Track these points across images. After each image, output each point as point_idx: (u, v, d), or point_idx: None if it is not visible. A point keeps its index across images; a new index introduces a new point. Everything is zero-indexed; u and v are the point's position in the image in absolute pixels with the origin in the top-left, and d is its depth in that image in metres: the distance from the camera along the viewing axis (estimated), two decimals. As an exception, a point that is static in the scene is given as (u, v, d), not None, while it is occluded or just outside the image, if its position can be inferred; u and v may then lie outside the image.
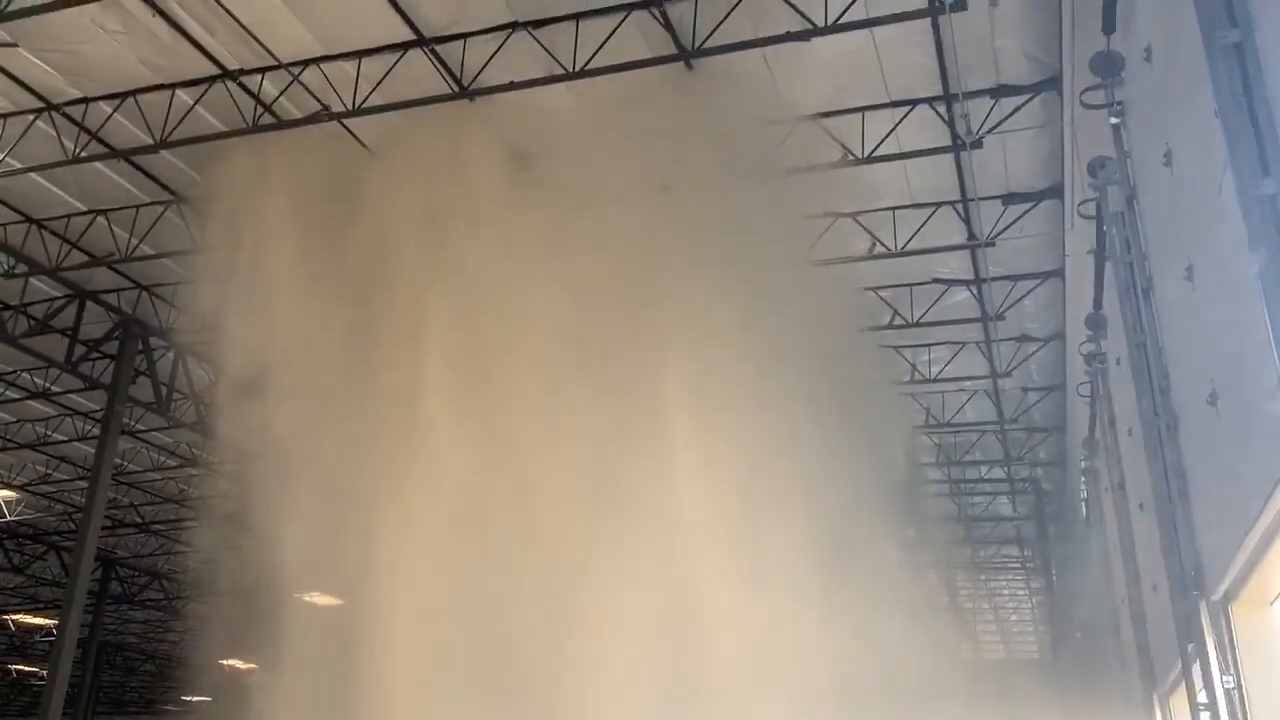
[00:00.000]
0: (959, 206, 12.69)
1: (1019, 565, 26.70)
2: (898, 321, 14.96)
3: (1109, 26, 6.88)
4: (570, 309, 10.73)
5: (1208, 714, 5.20)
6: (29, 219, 14.26)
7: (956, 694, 12.87)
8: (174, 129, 11.74)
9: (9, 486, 24.20)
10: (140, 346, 17.71)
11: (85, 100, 11.96)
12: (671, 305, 10.67)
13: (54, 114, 12.11)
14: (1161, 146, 5.83)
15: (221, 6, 10.35)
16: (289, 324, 11.95)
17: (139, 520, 26.37)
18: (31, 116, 12.12)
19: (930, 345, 16.14)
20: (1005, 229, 12.70)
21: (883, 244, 13.09)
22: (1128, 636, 9.43)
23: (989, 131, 11.01)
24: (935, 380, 16.61)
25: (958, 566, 15.31)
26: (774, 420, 10.57)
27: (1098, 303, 9.22)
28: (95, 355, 17.65)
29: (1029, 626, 31.07)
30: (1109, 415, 9.27)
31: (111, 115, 12.00)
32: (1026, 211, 12.64)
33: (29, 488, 24.35)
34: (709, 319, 10.47)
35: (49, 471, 23.57)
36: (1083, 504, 14.16)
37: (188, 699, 36.79)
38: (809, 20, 9.82)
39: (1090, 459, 12.01)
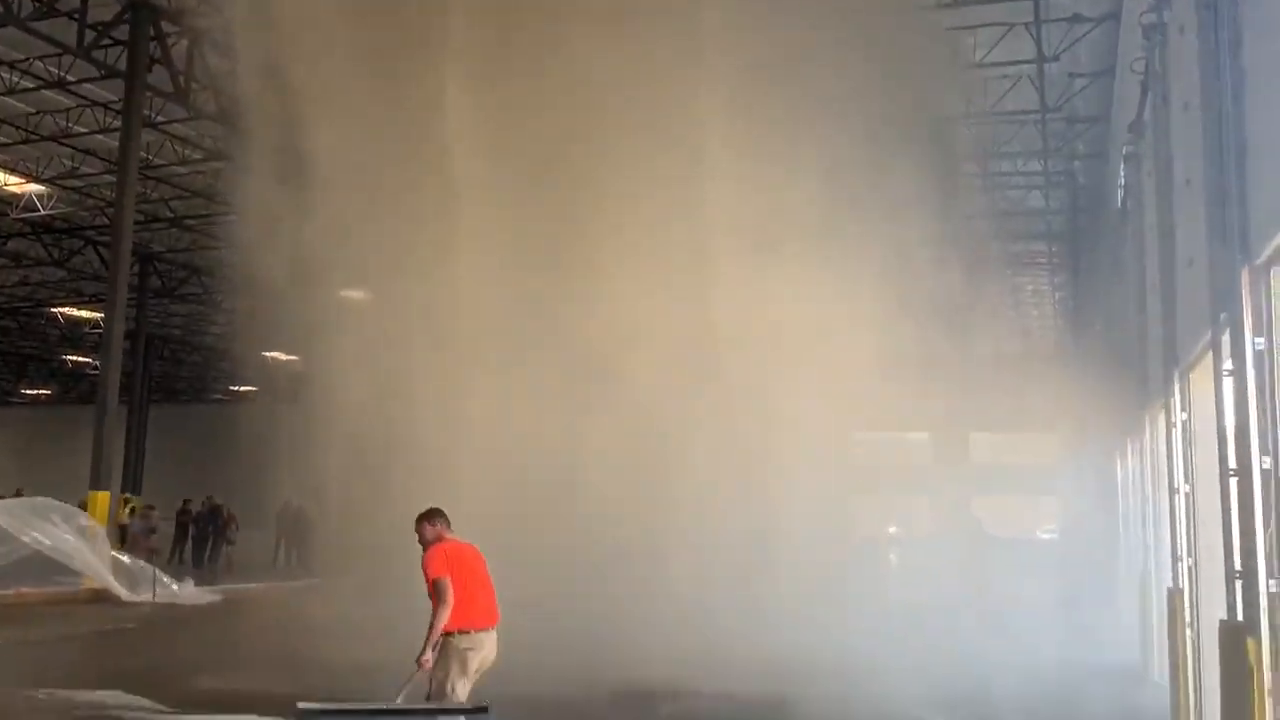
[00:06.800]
0: None
1: (1045, 261, 30.01)
2: (944, -3, 16.29)
3: None
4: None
5: (1231, 380, 6.22)
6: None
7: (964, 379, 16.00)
8: None
9: (39, 180, 28.62)
10: (153, 32, 20.26)
11: None
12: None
13: None
14: None
15: None
16: (318, 7, 13.33)
17: (171, 215, 30.80)
18: None
19: (976, 28, 17.61)
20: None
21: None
22: (1154, 314, 11.10)
23: None
24: (981, 66, 18.13)
25: (983, 259, 17.00)
26: (805, 93, 12.61)
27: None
28: (107, 41, 20.22)
29: (1050, 322, 34.78)
30: (1163, 91, 9.99)
31: None
32: None
33: (58, 182, 28.68)
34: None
35: (76, 165, 27.63)
36: (1119, 191, 15.95)
37: (235, 388, 44.63)
38: None
39: (1135, 143, 12.87)
